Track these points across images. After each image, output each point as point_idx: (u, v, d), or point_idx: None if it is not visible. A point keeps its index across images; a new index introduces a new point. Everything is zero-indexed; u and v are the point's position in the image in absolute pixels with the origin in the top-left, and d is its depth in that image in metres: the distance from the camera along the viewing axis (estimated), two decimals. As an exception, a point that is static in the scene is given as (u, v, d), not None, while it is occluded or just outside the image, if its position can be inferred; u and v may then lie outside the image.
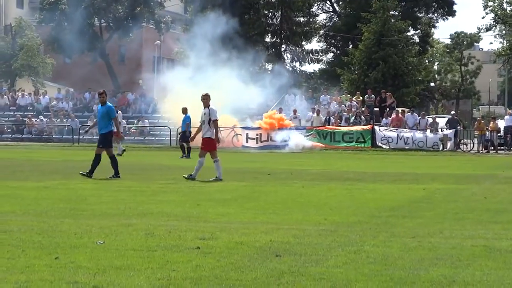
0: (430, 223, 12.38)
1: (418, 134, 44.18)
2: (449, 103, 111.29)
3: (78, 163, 26.33)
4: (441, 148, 43.49)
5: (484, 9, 68.88)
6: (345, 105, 49.67)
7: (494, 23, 70.65)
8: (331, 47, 76.46)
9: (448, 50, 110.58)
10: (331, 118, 47.06)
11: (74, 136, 49.46)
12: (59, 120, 53.21)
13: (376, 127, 45.01)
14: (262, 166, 28.04)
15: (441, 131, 45.27)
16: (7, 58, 67.51)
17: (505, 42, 74.79)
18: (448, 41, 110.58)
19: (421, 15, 76.21)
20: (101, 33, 67.62)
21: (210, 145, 20.91)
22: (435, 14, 78.04)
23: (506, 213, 13.91)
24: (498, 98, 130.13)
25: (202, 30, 49.28)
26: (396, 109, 47.82)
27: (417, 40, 72.28)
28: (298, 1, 65.66)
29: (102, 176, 21.07)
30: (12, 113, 55.12)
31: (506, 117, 48.40)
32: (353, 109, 47.99)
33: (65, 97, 57.41)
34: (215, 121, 20.87)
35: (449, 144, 43.79)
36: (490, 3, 68.09)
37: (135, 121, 52.57)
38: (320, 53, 73.80)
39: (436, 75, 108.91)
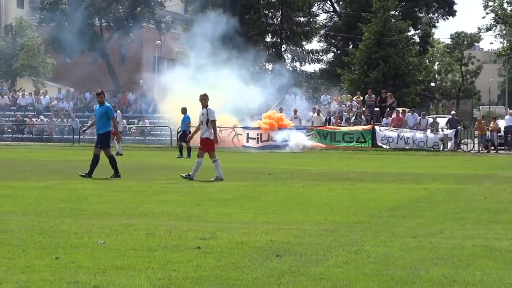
0: (430, 223, 12.38)
1: (419, 134, 44.18)
2: (449, 103, 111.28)
3: (79, 163, 26.33)
4: (441, 148, 43.49)
5: (485, 9, 68.94)
6: (345, 105, 49.68)
7: (495, 23, 70.66)
8: (332, 47, 76.49)
9: (448, 50, 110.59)
10: (332, 118, 47.06)
11: (74, 136, 49.44)
12: (59, 120, 53.22)
13: (377, 127, 45.01)
14: (262, 166, 28.04)
15: (442, 131, 45.26)
16: (7, 58, 67.53)
17: (505, 42, 74.80)
18: (448, 41, 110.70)
19: (421, 15, 76.22)
20: (101, 33, 67.64)
21: (208, 145, 20.90)
22: (436, 14, 78.06)
23: (506, 213, 13.91)
24: (499, 98, 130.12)
25: (202, 30, 49.29)
26: (397, 109, 47.82)
27: (418, 40, 72.28)
28: (299, 1, 65.66)
29: (102, 176, 21.07)
30: (13, 113, 55.13)
31: (507, 117, 48.40)
32: (353, 109, 48.00)
33: (65, 97, 57.41)
34: (213, 121, 20.85)
35: (449, 144, 43.79)
36: (491, 3, 68.10)
37: (136, 121, 52.57)
38: (321, 53, 73.82)
39: (436, 75, 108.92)
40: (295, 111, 47.45)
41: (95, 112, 24.85)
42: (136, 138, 50.69)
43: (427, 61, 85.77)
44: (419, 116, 47.12)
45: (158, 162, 30.55)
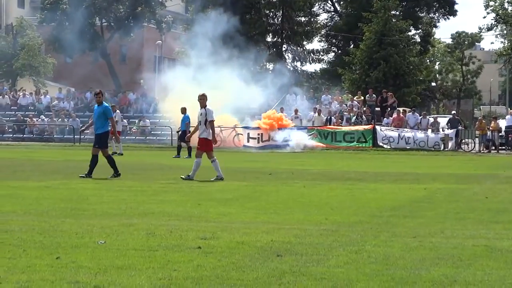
0: (431, 223, 12.38)
1: (419, 134, 44.17)
2: (450, 102, 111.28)
3: (79, 163, 26.33)
4: (442, 148, 43.49)
5: (485, 9, 68.96)
6: (346, 105, 49.68)
7: (495, 22, 70.68)
8: (332, 47, 76.50)
9: (449, 50, 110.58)
10: (332, 118, 47.06)
11: (75, 136, 49.44)
12: (60, 119, 53.23)
13: (377, 127, 45.00)
14: (263, 166, 28.05)
15: (442, 130, 45.27)
16: (8, 58, 67.55)
17: (506, 42, 74.80)
18: (449, 40, 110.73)
19: (422, 14, 76.20)
20: (102, 33, 67.66)
21: (207, 145, 20.89)
22: (436, 14, 78.05)
23: (507, 213, 13.90)
24: (499, 98, 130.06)
25: (203, 29, 49.29)
26: (397, 108, 47.82)
27: (418, 40, 72.24)
28: (299, 1, 65.71)
29: (102, 176, 21.07)
30: (13, 112, 55.15)
31: (507, 116, 48.42)
32: (354, 109, 47.99)
33: (66, 96, 57.42)
34: (211, 121, 20.83)
35: (450, 144, 43.78)
36: (491, 3, 68.10)
37: (136, 121, 52.57)
38: (321, 53, 73.87)
39: (437, 75, 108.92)
40: (296, 111, 47.45)
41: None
42: (136, 138, 50.70)
43: (428, 61, 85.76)
44: (420, 116, 47.11)
45: (159, 162, 30.55)
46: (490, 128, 45.37)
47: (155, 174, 23.27)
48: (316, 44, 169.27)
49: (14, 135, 52.65)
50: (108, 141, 22.70)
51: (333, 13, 78.82)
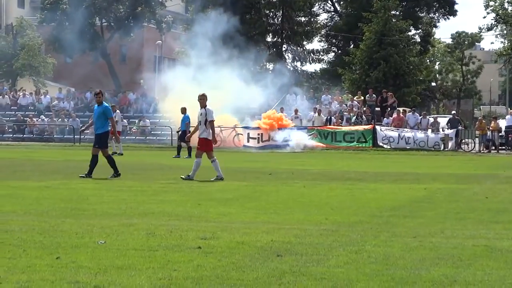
0: (431, 223, 12.38)
1: (419, 134, 44.17)
2: (450, 102, 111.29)
3: (79, 163, 26.33)
4: (442, 148, 43.49)
5: (485, 9, 68.97)
6: (346, 104, 49.68)
7: (495, 22, 70.68)
8: (332, 47, 76.50)
9: (449, 50, 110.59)
10: (332, 118, 47.06)
11: (75, 136, 49.43)
12: (60, 120, 53.23)
13: (377, 127, 45.00)
14: (263, 166, 28.05)
15: (442, 131, 45.27)
16: (8, 58, 67.56)
17: (506, 42, 74.82)
18: (449, 40, 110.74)
19: (422, 14, 76.20)
20: (102, 33, 67.66)
21: (206, 145, 20.89)
22: (436, 14, 78.04)
23: (507, 213, 13.90)
24: (499, 98, 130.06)
25: (203, 29, 49.29)
26: (397, 108, 47.83)
27: (418, 40, 72.24)
28: (299, 1, 65.70)
29: (102, 176, 21.07)
30: (13, 112, 55.15)
31: (507, 116, 48.42)
32: (354, 109, 47.99)
33: (66, 96, 57.43)
34: (211, 121, 20.83)
35: (450, 144, 43.78)
36: (491, 3, 68.10)
37: (136, 121, 52.58)
38: (321, 53, 73.86)
39: (437, 75, 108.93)
40: (296, 111, 47.45)
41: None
42: (137, 138, 50.71)
43: (428, 61, 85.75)
44: (420, 116, 47.12)
45: (159, 162, 30.55)
46: (490, 128, 45.37)
47: (155, 174, 23.27)
48: (316, 44, 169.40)
49: (14, 135, 52.64)
50: (108, 141, 22.69)
51: (333, 13, 78.84)
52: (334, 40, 75.84)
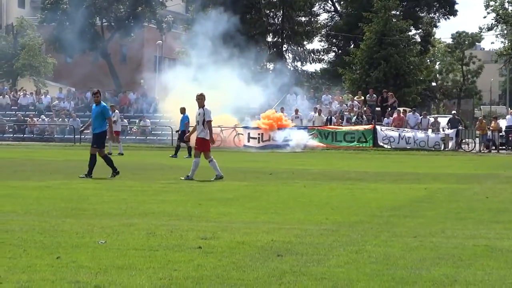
0: (431, 222, 12.37)
1: (420, 134, 44.17)
2: (450, 102, 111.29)
3: (80, 162, 26.32)
4: (442, 148, 43.48)
5: (486, 9, 68.99)
6: (346, 104, 49.68)
7: (496, 22, 70.70)
8: (333, 47, 76.49)
9: (449, 50, 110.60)
10: (333, 117, 47.06)
11: (75, 136, 49.43)
12: (60, 119, 53.24)
13: (378, 127, 45.00)
14: (263, 166, 28.05)
15: (443, 130, 45.27)
16: (8, 58, 67.57)
17: (506, 42, 74.83)
18: (449, 40, 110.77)
19: (422, 14, 76.20)
20: (102, 33, 67.65)
21: (204, 145, 20.91)
22: (437, 14, 78.05)
23: (507, 213, 13.90)
24: (500, 98, 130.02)
25: (203, 29, 49.29)
26: (398, 108, 47.83)
27: (419, 40, 72.23)
28: (300, 1, 65.70)
29: (103, 175, 21.08)
30: (14, 112, 55.14)
31: (508, 116, 48.42)
32: (354, 109, 47.98)
33: (66, 96, 57.44)
34: (209, 121, 20.84)
35: (450, 144, 43.78)
36: (492, 3, 68.10)
37: (137, 121, 52.59)
38: (322, 53, 73.87)
39: (437, 75, 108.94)
40: (296, 111, 47.44)
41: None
42: (137, 137, 50.72)
43: (428, 60, 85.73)
44: (420, 115, 47.12)
45: (159, 162, 30.55)
46: (491, 128, 45.37)
47: (156, 174, 23.27)
48: (316, 44, 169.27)
49: (14, 135, 52.64)
50: (106, 141, 22.65)
51: (333, 13, 78.84)
52: (334, 40, 75.84)
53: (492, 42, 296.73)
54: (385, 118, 47.06)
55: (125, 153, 36.20)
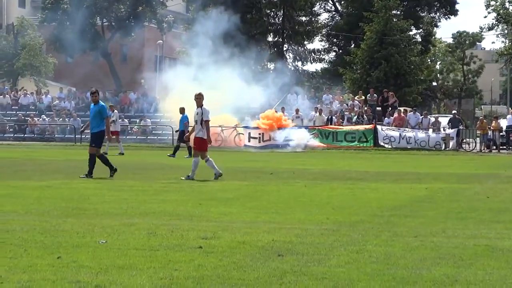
0: (432, 222, 12.37)
1: (420, 134, 44.17)
2: (451, 102, 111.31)
3: (80, 162, 26.31)
4: (443, 148, 43.47)
5: (486, 8, 68.99)
6: (347, 104, 49.68)
7: (496, 22, 70.70)
8: (333, 47, 76.51)
9: (450, 50, 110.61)
10: (333, 117, 47.05)
11: (76, 136, 49.44)
12: (61, 119, 53.25)
13: (378, 127, 45.00)
14: (264, 166, 28.04)
15: (443, 130, 45.27)
16: (9, 58, 67.59)
17: (507, 42, 74.81)
18: (450, 40, 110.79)
19: (423, 14, 76.22)
20: (103, 33, 67.66)
21: (201, 145, 20.93)
22: (437, 14, 78.07)
23: (508, 213, 13.90)
24: (500, 98, 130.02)
25: (204, 28, 49.30)
26: (398, 108, 47.84)
27: (419, 40, 72.26)
28: (300, 0, 65.69)
29: (103, 175, 21.08)
30: (14, 112, 55.13)
31: (509, 116, 48.39)
32: (355, 109, 47.98)
33: (67, 96, 57.47)
34: (207, 121, 20.86)
35: (451, 144, 43.77)
36: (492, 3, 68.12)
37: (137, 121, 52.60)
38: (322, 52, 73.91)
39: (438, 75, 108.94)
40: (297, 111, 47.43)
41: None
42: (137, 137, 50.72)
43: (429, 60, 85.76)
44: (421, 115, 47.12)
45: (160, 162, 30.55)
46: (491, 128, 45.37)
47: (156, 174, 23.26)
48: (317, 43, 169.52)
49: (15, 135, 52.63)
50: (104, 141, 22.63)
51: (334, 12, 78.87)
52: (335, 40, 75.86)
53: (492, 41, 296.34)
54: (386, 118, 47.06)
55: (125, 153, 36.21)
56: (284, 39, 68.42)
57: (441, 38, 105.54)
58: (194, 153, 21.17)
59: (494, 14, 68.98)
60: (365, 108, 48.36)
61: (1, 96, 56.71)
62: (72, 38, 59.52)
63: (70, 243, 9.90)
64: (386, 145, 44.04)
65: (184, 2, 77.12)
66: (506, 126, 46.18)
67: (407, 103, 54.68)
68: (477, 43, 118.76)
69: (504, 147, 45.43)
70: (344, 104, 49.89)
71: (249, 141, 44.88)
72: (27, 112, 54.38)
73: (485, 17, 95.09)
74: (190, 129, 23.44)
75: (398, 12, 63.70)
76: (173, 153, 35.06)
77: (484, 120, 47.86)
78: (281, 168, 26.39)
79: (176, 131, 37.55)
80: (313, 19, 71.95)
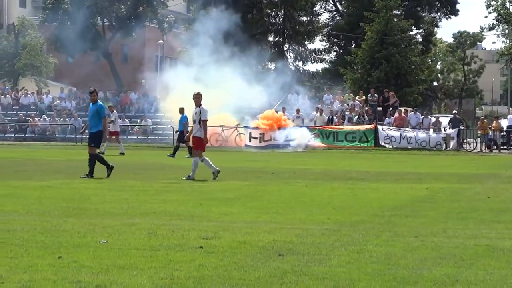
0: (433, 222, 12.37)
1: (421, 134, 44.15)
2: (452, 102, 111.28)
3: (81, 162, 26.31)
4: (444, 148, 43.45)
5: (487, 8, 68.98)
6: (348, 104, 49.68)
7: (497, 22, 70.70)
8: (334, 47, 76.52)
9: (451, 50, 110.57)
10: (334, 117, 47.04)
11: (77, 136, 49.42)
12: (62, 119, 53.25)
13: (379, 127, 44.99)
14: (265, 166, 28.04)
15: (444, 130, 45.26)
16: (10, 58, 67.60)
17: (507, 42, 74.83)
18: (451, 40, 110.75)
19: (424, 14, 76.21)
20: (104, 33, 67.65)
21: (199, 144, 20.96)
22: (438, 13, 78.05)
23: (509, 213, 13.90)
24: (501, 98, 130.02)
25: (204, 28, 49.29)
26: (399, 108, 47.83)
27: (420, 40, 72.25)
28: (301, 0, 65.70)
29: (104, 175, 21.08)
30: (15, 112, 55.12)
31: (509, 116, 48.40)
32: (356, 109, 47.97)
33: (68, 96, 57.48)
34: (205, 121, 20.88)
35: (452, 144, 43.76)
36: (493, 2, 68.13)
37: (138, 121, 52.61)
38: (323, 52, 73.92)
39: (439, 75, 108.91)
40: (298, 111, 47.42)
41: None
42: (138, 137, 50.71)
43: (429, 60, 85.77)
44: (421, 115, 47.12)
45: (160, 162, 30.55)
46: (492, 128, 45.36)
47: (157, 174, 23.27)
48: (317, 43, 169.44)
49: (16, 135, 52.63)
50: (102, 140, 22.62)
51: (334, 12, 78.88)
52: (335, 40, 75.87)
53: (493, 41, 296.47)
54: (387, 118, 47.04)
55: (126, 153, 36.21)
56: (285, 39, 68.44)
57: (441, 38, 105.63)
58: (194, 153, 21.18)
59: (495, 14, 69.00)
60: (366, 108, 48.34)
61: (2, 96, 56.73)
62: (73, 38, 59.54)
63: (71, 243, 9.90)
64: (386, 145, 44.03)
65: (184, 2, 77.07)
66: (507, 126, 46.18)
67: (407, 103, 54.66)
68: (478, 43, 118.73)
69: (505, 147, 45.40)
70: (345, 104, 49.89)
71: (250, 141, 44.84)
72: (28, 112, 54.38)
73: (486, 17, 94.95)
74: (189, 129, 23.44)
75: (399, 12, 63.69)
76: (173, 153, 35.05)
77: (485, 120, 47.87)
78: (282, 168, 26.39)
79: (177, 131, 37.53)
80: (313, 19, 71.97)
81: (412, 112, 47.19)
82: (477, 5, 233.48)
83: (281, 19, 68.33)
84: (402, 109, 47.73)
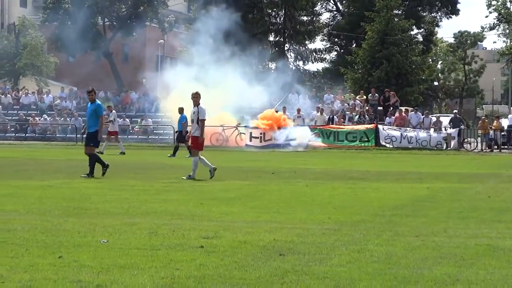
0: (433, 222, 12.36)
1: (422, 133, 44.15)
2: (452, 102, 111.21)
3: (82, 162, 26.29)
4: (444, 147, 43.45)
5: (488, 8, 69.01)
6: (348, 104, 49.68)
7: (498, 22, 70.73)
8: (335, 46, 76.53)
9: (451, 49, 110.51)
10: (335, 117, 47.04)
11: (77, 135, 49.44)
12: (62, 119, 53.25)
13: (380, 126, 44.99)
14: (265, 165, 28.03)
15: (445, 130, 45.25)
16: (10, 57, 67.62)
17: (508, 41, 74.81)
18: (451, 40, 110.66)
19: (424, 14, 76.20)
20: (104, 32, 67.67)
21: (198, 144, 20.98)
22: (439, 13, 78.04)
23: (509, 212, 13.89)
24: (502, 97, 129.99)
25: (205, 27, 49.29)
26: (400, 108, 47.81)
27: (421, 39, 72.26)
28: (302, 0, 65.71)
29: (104, 175, 21.09)
30: (16, 112, 55.15)
31: (510, 116, 48.37)
32: (356, 108, 47.98)
33: (68, 96, 57.50)
34: (202, 120, 20.90)
35: (452, 143, 43.75)
36: (494, 2, 68.14)
37: (139, 120, 52.61)
38: (324, 52, 73.94)
39: (439, 74, 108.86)
40: (298, 110, 47.42)
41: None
42: (139, 137, 50.71)
43: (430, 60, 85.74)
44: (422, 115, 47.11)
45: (161, 161, 30.55)
46: (493, 127, 45.35)
47: (157, 173, 23.26)
48: (318, 43, 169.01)
49: (16, 134, 52.65)
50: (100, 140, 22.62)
51: (335, 12, 78.87)
52: (336, 39, 75.88)
53: (494, 41, 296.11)
54: (387, 118, 47.04)
55: (127, 153, 36.19)
56: (285, 39, 68.48)
57: (442, 37, 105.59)
58: (193, 153, 21.18)
59: (495, 14, 69.02)
60: (367, 108, 48.36)
61: (3, 96, 56.76)
62: (73, 38, 59.55)
63: (72, 243, 9.90)
64: (387, 145, 44.02)
65: (185, 2, 77.11)
66: (508, 125, 46.17)
67: (408, 103, 54.66)
68: (479, 42, 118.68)
69: (506, 146, 45.41)
70: (346, 104, 49.89)
71: (250, 140, 44.83)
72: (29, 112, 54.40)
73: (487, 16, 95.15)
74: (189, 129, 23.48)
75: (400, 12, 63.71)
76: (173, 153, 35.04)
77: (486, 120, 47.85)
78: (283, 168, 26.38)
79: (176, 131, 37.53)
80: (314, 18, 72.03)
81: (413, 112, 47.19)
82: (478, 4, 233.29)
83: (281, 18, 68.37)
84: (403, 108, 47.73)
